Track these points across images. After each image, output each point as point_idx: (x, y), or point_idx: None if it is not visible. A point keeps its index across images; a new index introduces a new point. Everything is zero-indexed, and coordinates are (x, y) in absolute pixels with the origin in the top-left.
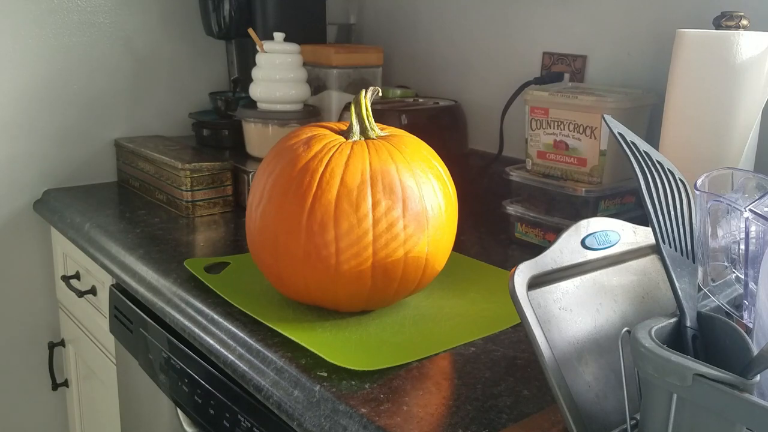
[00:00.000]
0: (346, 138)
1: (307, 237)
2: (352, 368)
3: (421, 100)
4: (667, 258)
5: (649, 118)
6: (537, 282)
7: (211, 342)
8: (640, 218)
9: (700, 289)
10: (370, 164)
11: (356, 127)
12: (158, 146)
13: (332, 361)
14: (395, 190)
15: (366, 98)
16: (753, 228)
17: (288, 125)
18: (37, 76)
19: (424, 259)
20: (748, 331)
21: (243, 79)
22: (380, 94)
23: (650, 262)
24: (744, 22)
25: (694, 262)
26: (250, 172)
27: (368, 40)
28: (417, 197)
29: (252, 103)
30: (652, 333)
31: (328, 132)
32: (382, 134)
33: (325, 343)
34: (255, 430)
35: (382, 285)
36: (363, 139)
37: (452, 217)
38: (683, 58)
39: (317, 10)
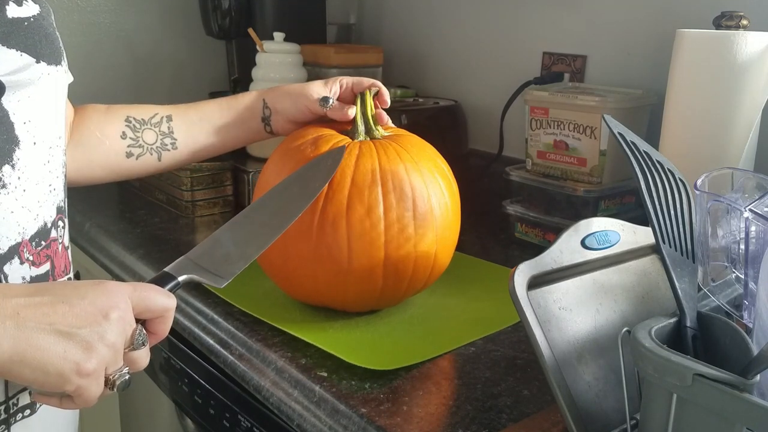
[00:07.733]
0: (352, 138)
1: (319, 237)
2: (376, 368)
3: (421, 100)
4: (667, 258)
5: (649, 118)
6: (537, 282)
7: (211, 342)
8: (640, 218)
9: (700, 289)
10: (380, 164)
11: (361, 127)
12: None
13: (352, 362)
14: (405, 190)
15: (371, 98)
16: (753, 228)
17: None
18: None
19: (432, 257)
20: (748, 331)
21: (243, 79)
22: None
23: (650, 262)
24: (744, 22)
25: (694, 262)
26: (250, 172)
27: (368, 40)
28: (426, 196)
29: None
30: (652, 333)
31: (333, 132)
32: (387, 134)
33: (340, 343)
34: (255, 430)
35: (392, 283)
36: (369, 138)
37: (457, 215)
38: (683, 58)
39: (317, 10)
